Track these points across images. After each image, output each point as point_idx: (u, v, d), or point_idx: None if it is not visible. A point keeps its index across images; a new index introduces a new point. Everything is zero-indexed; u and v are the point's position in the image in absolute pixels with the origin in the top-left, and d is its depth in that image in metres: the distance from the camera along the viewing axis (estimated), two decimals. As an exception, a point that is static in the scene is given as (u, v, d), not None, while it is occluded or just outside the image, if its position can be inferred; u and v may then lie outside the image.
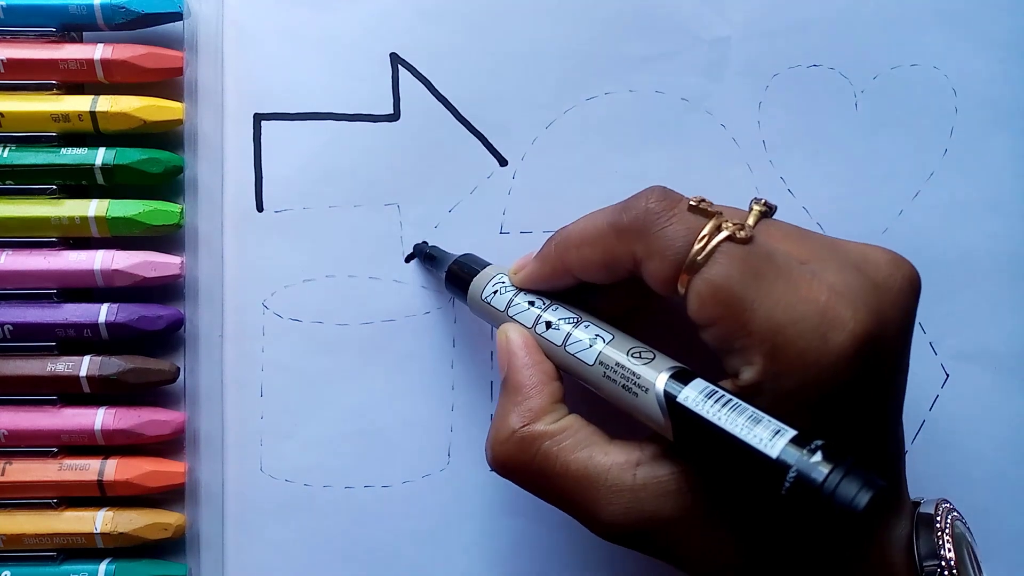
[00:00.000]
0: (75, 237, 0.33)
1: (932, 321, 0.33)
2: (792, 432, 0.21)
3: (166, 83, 0.33)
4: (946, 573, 0.24)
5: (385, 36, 0.33)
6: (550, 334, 0.27)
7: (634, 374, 0.25)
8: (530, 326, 0.28)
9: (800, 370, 0.22)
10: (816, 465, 0.21)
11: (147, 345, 0.33)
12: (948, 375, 0.33)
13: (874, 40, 0.34)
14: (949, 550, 0.25)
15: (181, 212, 0.33)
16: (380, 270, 0.33)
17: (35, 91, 0.32)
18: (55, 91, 0.32)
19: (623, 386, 0.25)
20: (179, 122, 0.33)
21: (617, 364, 0.25)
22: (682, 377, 0.24)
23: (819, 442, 0.21)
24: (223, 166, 0.33)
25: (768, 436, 0.21)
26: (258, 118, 0.33)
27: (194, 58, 0.33)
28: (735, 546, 0.24)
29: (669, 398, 0.24)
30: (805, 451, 0.21)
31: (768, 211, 0.26)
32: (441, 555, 0.33)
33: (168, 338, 0.33)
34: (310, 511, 0.33)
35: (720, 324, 0.23)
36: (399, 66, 0.33)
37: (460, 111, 0.33)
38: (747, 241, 0.23)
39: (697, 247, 0.23)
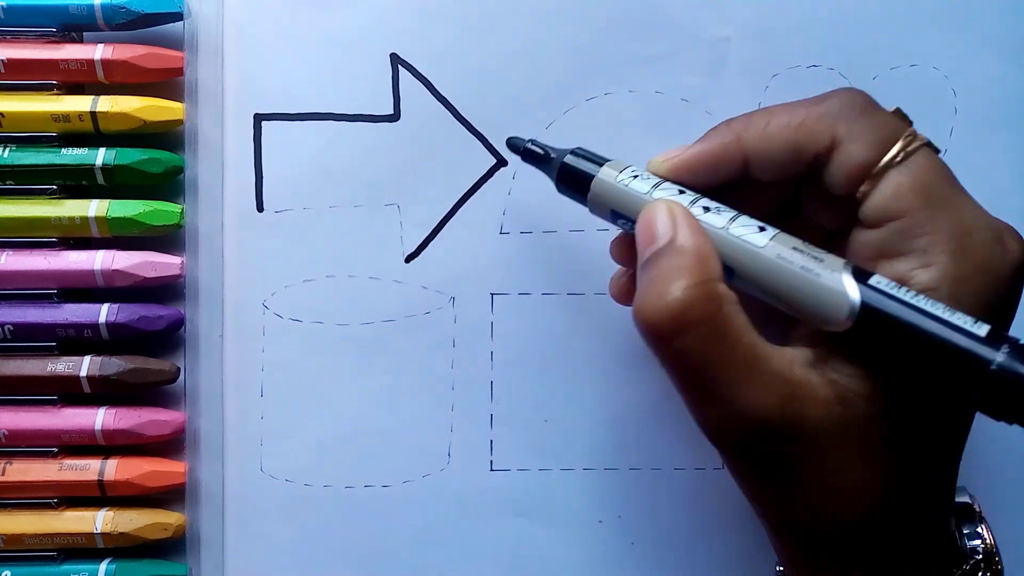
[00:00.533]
0: (75, 237, 0.33)
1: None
2: (987, 326, 0.21)
3: (166, 83, 0.33)
4: (988, 552, 0.26)
5: (385, 37, 0.33)
6: (709, 217, 0.25)
7: (814, 257, 0.23)
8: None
9: (981, 274, 0.23)
10: (1014, 358, 0.20)
11: (147, 345, 0.33)
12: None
13: (874, 40, 0.34)
14: (988, 533, 0.26)
15: (181, 212, 0.33)
16: (380, 270, 0.33)
17: (35, 91, 0.32)
18: (55, 91, 0.32)
19: (802, 267, 0.23)
20: (179, 122, 0.33)
21: (793, 248, 0.24)
22: (860, 272, 0.23)
23: (1013, 338, 0.21)
24: (223, 166, 0.33)
25: (968, 324, 0.21)
26: (258, 118, 0.33)
27: (194, 58, 0.33)
28: (872, 473, 0.23)
29: (861, 277, 0.23)
30: (1000, 349, 0.21)
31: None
32: (441, 555, 0.33)
33: (168, 338, 0.33)
34: (310, 511, 0.33)
35: (910, 217, 0.23)
36: (399, 66, 0.33)
37: (460, 111, 0.33)
38: (938, 151, 0.25)
39: (902, 143, 0.24)
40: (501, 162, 0.33)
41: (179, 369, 0.33)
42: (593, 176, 0.27)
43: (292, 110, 0.33)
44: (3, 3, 0.32)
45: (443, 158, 0.33)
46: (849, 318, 0.22)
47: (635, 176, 0.27)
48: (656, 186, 0.26)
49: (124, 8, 0.32)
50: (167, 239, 0.33)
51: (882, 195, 0.24)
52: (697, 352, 0.23)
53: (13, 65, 0.32)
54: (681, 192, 0.26)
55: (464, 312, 0.33)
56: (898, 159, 0.24)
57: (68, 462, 0.32)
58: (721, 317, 0.23)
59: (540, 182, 0.33)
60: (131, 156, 0.32)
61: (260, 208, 0.33)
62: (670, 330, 0.23)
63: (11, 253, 0.32)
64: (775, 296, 0.24)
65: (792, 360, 0.24)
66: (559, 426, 0.33)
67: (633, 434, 0.33)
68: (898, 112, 0.26)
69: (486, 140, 0.33)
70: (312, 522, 0.33)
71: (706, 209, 0.25)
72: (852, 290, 0.22)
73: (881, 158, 0.24)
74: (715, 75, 0.34)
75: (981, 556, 0.26)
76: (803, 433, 0.23)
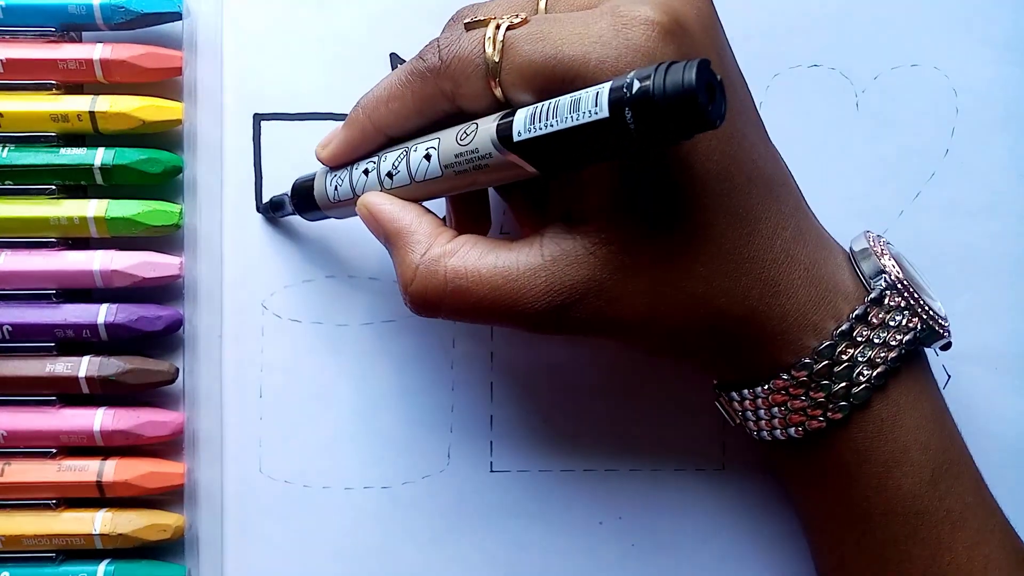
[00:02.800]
0: (74, 237, 0.33)
1: (933, 322, 0.33)
2: (607, 84, 0.22)
3: (165, 83, 0.33)
4: (894, 281, 0.26)
5: (384, 36, 0.33)
6: (397, 179, 0.27)
7: (472, 151, 0.25)
8: (379, 189, 0.28)
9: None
10: (637, 84, 0.21)
11: (146, 346, 0.33)
12: (949, 376, 0.33)
13: (875, 40, 0.34)
14: (893, 264, 0.26)
15: (180, 212, 0.33)
16: (380, 271, 0.33)
17: (34, 91, 0.32)
18: (54, 91, 0.32)
19: (475, 167, 0.25)
20: (178, 122, 0.33)
21: (456, 156, 0.25)
22: (507, 118, 0.24)
23: (631, 74, 0.21)
24: (222, 166, 0.33)
25: (591, 103, 0.22)
26: (258, 118, 0.33)
27: (193, 58, 0.33)
28: (651, 288, 0.25)
29: (508, 143, 0.24)
30: (624, 88, 0.21)
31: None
32: (441, 555, 0.33)
33: (167, 339, 0.33)
34: (310, 512, 0.33)
35: (541, 89, 0.24)
36: (398, 65, 0.33)
37: (460, 111, 0.33)
38: (525, 22, 0.25)
39: (488, 52, 0.24)
40: (501, 162, 0.33)
41: (178, 370, 0.33)
42: (311, 190, 0.30)
43: (291, 110, 0.33)
44: (2, 3, 0.32)
45: (443, 158, 0.33)
46: (504, 152, 0.24)
47: (336, 188, 0.29)
48: (353, 186, 0.29)
49: (123, 8, 0.32)
50: (166, 239, 0.33)
51: (513, 98, 0.25)
52: (460, 312, 0.26)
53: (12, 65, 0.32)
54: (366, 172, 0.28)
55: (464, 312, 0.33)
56: (496, 60, 0.24)
57: (67, 463, 0.32)
58: (451, 275, 0.25)
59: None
60: (130, 156, 0.32)
61: (259, 208, 0.33)
62: (429, 309, 0.26)
63: (10, 253, 0.32)
64: (478, 183, 0.26)
65: (540, 244, 0.25)
66: (559, 427, 0.33)
67: (633, 435, 0.33)
68: (475, 20, 0.26)
69: (486, 140, 0.33)
70: (311, 523, 0.33)
71: (391, 175, 0.27)
72: (507, 157, 0.24)
73: (490, 82, 0.25)
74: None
75: (885, 285, 0.26)
76: (584, 292, 0.25)
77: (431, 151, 0.26)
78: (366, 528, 0.33)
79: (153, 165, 0.32)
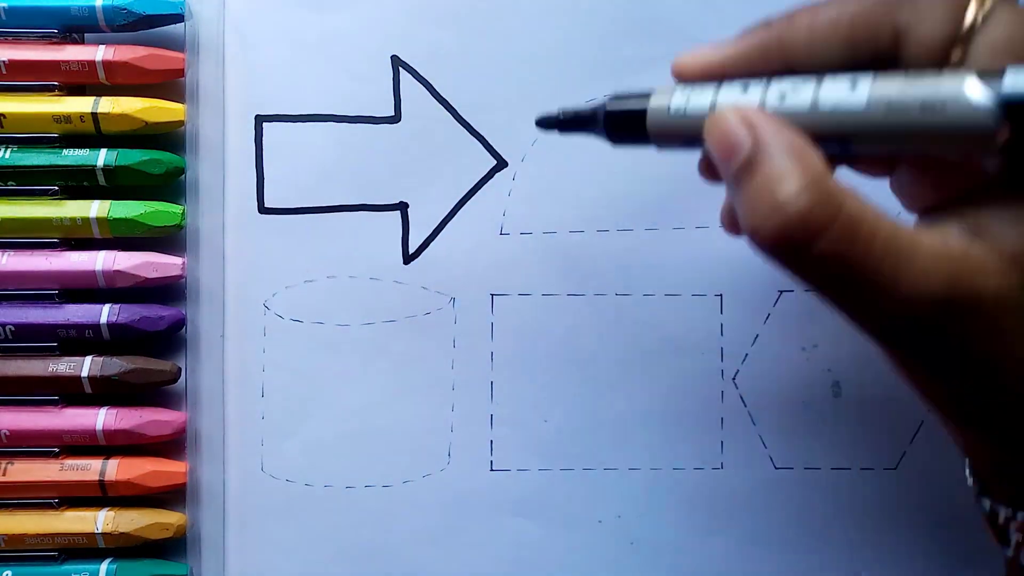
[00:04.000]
0: (77, 238, 0.33)
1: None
2: None
3: (167, 84, 0.33)
4: None
5: (386, 39, 0.33)
6: (788, 104, 0.22)
7: (932, 87, 0.20)
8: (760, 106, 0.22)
9: None
10: None
11: (148, 345, 0.33)
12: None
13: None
14: None
15: (183, 213, 0.33)
16: (381, 271, 0.33)
17: (37, 92, 0.32)
18: (57, 92, 0.32)
19: (922, 105, 0.20)
20: (180, 123, 0.33)
21: (899, 91, 0.20)
22: (988, 75, 0.19)
23: None
24: (224, 167, 0.33)
25: None
26: (259, 120, 0.33)
27: (195, 60, 0.33)
28: None
29: (990, 77, 0.19)
30: None
31: None
32: (441, 555, 0.33)
33: (169, 338, 0.33)
34: (311, 511, 0.33)
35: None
36: (400, 68, 0.33)
37: (460, 113, 0.34)
38: (1015, 2, 0.21)
39: (974, 5, 0.21)
40: (501, 163, 0.34)
41: (180, 369, 0.33)
42: (645, 111, 0.24)
43: (293, 111, 0.33)
44: (5, 4, 0.32)
45: (444, 159, 0.33)
46: (996, 125, 0.19)
47: (687, 99, 0.23)
48: (715, 104, 0.23)
49: (125, 9, 0.32)
50: (168, 240, 0.33)
51: (977, 63, 0.20)
52: (835, 257, 0.20)
53: (15, 66, 0.32)
54: (745, 88, 0.22)
55: (464, 313, 0.33)
56: (979, 22, 0.21)
57: (69, 462, 0.32)
58: (846, 214, 0.20)
59: (540, 183, 0.34)
60: (132, 157, 0.32)
61: (261, 209, 0.33)
62: (798, 243, 0.20)
63: (13, 254, 0.32)
64: (910, 146, 0.21)
65: (946, 235, 0.21)
66: (559, 426, 0.33)
67: (633, 434, 0.33)
68: None
69: (486, 141, 0.34)
70: (313, 522, 0.33)
71: (783, 96, 0.22)
72: (987, 105, 0.19)
73: (958, 30, 0.21)
74: (714, 77, 0.34)
75: None
76: (979, 309, 0.20)
77: (859, 78, 0.21)
78: (367, 526, 0.33)
79: (155, 166, 0.32)
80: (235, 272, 0.33)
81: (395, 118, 0.33)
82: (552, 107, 0.33)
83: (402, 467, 0.33)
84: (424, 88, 0.33)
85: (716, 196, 0.34)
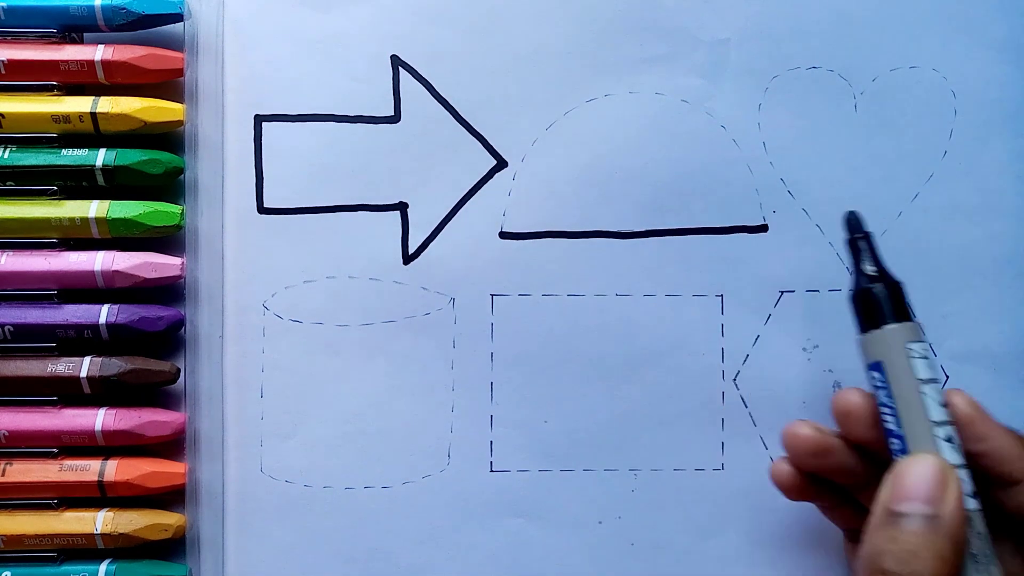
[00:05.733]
0: (76, 238, 0.33)
1: (932, 323, 0.33)
2: None
3: (167, 84, 0.33)
4: None
5: (386, 38, 0.33)
6: (944, 449, 0.25)
7: (985, 554, 0.24)
8: (930, 421, 0.26)
9: None
10: None
11: (148, 346, 0.33)
12: (948, 376, 0.33)
13: (873, 42, 0.34)
14: None
15: (182, 213, 0.33)
16: (380, 271, 0.33)
17: (36, 92, 0.32)
18: (56, 92, 0.32)
19: (971, 553, 0.24)
20: (180, 123, 0.33)
21: (979, 532, 0.25)
22: None
23: None
24: (224, 167, 0.33)
25: None
26: (259, 119, 0.33)
27: (194, 59, 0.33)
28: None
29: None
30: None
31: None
32: (441, 555, 0.33)
33: (168, 339, 0.33)
34: (310, 512, 0.33)
35: None
36: (400, 68, 0.33)
37: (460, 113, 0.33)
38: None
39: None
40: (501, 163, 0.34)
41: (179, 370, 0.33)
42: (883, 326, 0.27)
43: (292, 111, 0.33)
44: (3, 4, 0.32)
45: (443, 159, 0.33)
46: None
47: (922, 356, 0.26)
48: (927, 386, 0.26)
49: (124, 9, 0.32)
50: (167, 240, 0.33)
51: None
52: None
53: (13, 66, 0.32)
54: (949, 438, 0.26)
55: (464, 313, 0.33)
56: None
57: (68, 463, 0.32)
58: None
59: (540, 183, 0.34)
60: (131, 157, 0.32)
61: (260, 209, 0.33)
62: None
63: (11, 254, 0.32)
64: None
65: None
66: (559, 427, 0.33)
67: (633, 435, 0.33)
68: None
69: (486, 141, 0.34)
70: (312, 523, 0.33)
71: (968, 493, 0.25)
72: None
73: None
74: (715, 76, 0.34)
75: None
76: None
77: (974, 498, 0.25)
78: (367, 527, 0.33)
79: (154, 166, 0.32)
80: (234, 272, 0.33)
81: (395, 118, 0.33)
82: (551, 107, 0.33)
83: (402, 468, 0.33)
84: (424, 88, 0.33)
85: (716, 196, 0.34)
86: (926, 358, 0.26)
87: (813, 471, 0.29)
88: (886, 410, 0.26)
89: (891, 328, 0.27)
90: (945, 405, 0.26)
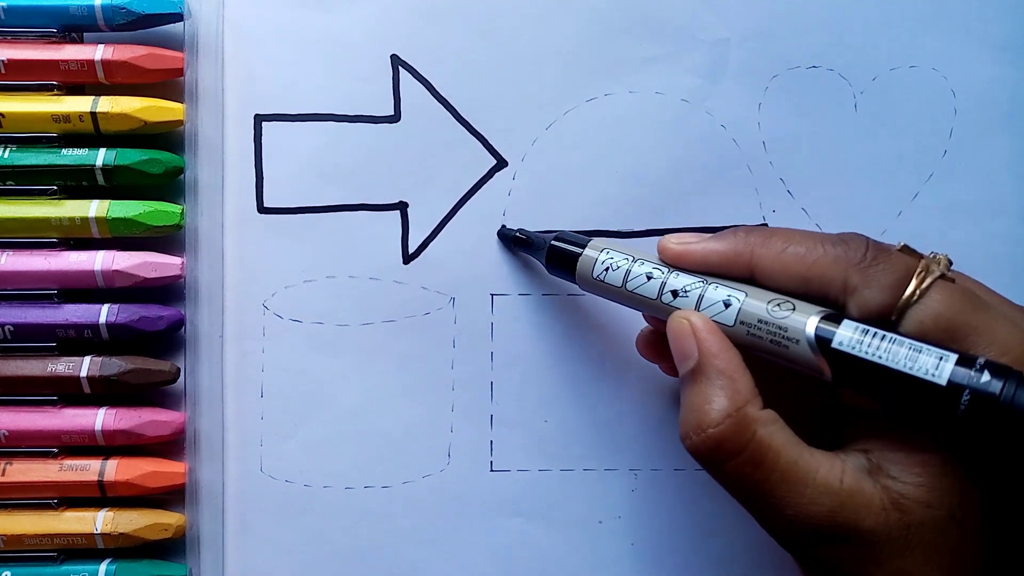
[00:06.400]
0: (76, 238, 0.33)
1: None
2: (955, 355, 0.22)
3: (167, 84, 0.33)
4: None
5: (386, 38, 0.33)
6: (679, 302, 0.27)
7: (780, 327, 0.25)
8: (654, 297, 0.27)
9: None
10: (989, 382, 0.21)
11: (148, 345, 0.33)
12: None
13: (873, 42, 0.34)
14: None
15: (182, 213, 0.33)
16: (380, 271, 0.33)
17: (36, 92, 0.32)
18: (56, 92, 0.32)
19: (771, 341, 0.25)
20: (180, 123, 0.33)
21: (759, 320, 0.25)
22: (832, 319, 0.24)
23: (982, 359, 0.21)
24: (224, 167, 0.33)
25: (933, 364, 0.22)
26: (259, 119, 0.33)
27: (194, 59, 0.33)
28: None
29: (823, 344, 0.24)
30: (973, 371, 0.21)
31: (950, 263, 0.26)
32: (441, 555, 0.33)
33: (169, 339, 0.33)
34: (310, 511, 0.33)
35: (924, 334, 0.24)
36: (400, 68, 0.33)
37: (460, 112, 0.33)
38: (953, 280, 0.24)
39: (915, 283, 0.24)
40: (501, 163, 0.34)
41: (179, 369, 0.33)
42: (578, 256, 0.29)
43: (292, 111, 0.33)
44: (4, 3, 0.32)
45: (443, 159, 0.33)
46: (816, 352, 0.24)
47: (606, 269, 0.28)
48: (627, 278, 0.28)
49: (124, 9, 0.32)
50: (167, 239, 0.33)
51: (906, 331, 0.24)
52: (740, 476, 0.25)
53: (14, 65, 0.32)
54: (649, 277, 0.27)
55: (464, 312, 0.33)
56: (915, 298, 0.24)
57: (68, 462, 0.32)
58: (756, 443, 0.24)
59: (540, 183, 0.34)
60: (131, 157, 0.32)
61: (260, 209, 0.33)
62: (712, 460, 0.25)
63: (11, 253, 0.32)
64: (762, 358, 0.26)
65: (842, 469, 0.24)
66: (559, 426, 0.33)
67: (633, 434, 0.33)
68: (906, 248, 0.26)
69: (486, 141, 0.34)
70: (312, 522, 0.33)
71: (675, 293, 0.27)
72: (814, 353, 0.24)
73: (897, 301, 0.24)
74: (715, 76, 0.34)
75: None
76: (859, 539, 0.24)
77: (734, 299, 0.26)
78: (366, 527, 0.33)
79: (154, 166, 0.32)
80: (234, 272, 0.33)
81: (395, 118, 0.33)
82: (551, 107, 0.34)
83: (402, 467, 0.33)
84: (424, 88, 0.33)
85: (716, 196, 0.34)
86: (612, 257, 0.28)
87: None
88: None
89: (580, 261, 0.29)
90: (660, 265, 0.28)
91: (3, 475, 0.32)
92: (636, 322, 0.32)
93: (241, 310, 0.33)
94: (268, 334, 0.33)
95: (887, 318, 0.24)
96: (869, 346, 0.23)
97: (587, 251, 0.29)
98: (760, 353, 0.26)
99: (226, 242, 0.33)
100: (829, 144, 0.34)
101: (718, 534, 0.33)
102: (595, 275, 0.29)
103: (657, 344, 0.31)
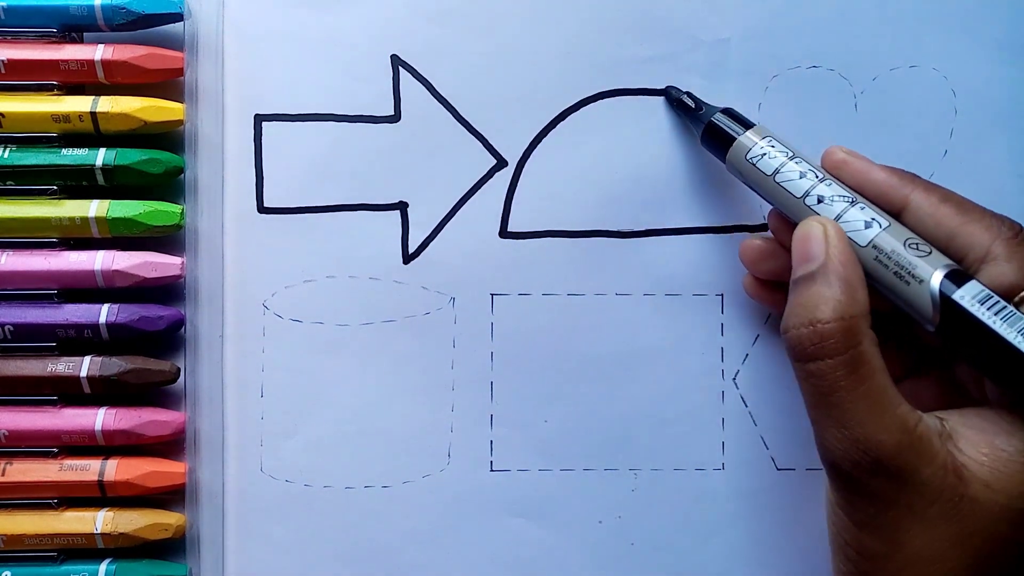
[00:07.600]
0: (76, 237, 0.33)
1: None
2: None
3: (167, 84, 0.33)
4: None
5: (386, 38, 0.33)
6: (821, 208, 0.27)
7: (909, 263, 0.26)
8: (798, 196, 0.28)
9: None
10: None
11: (148, 345, 0.33)
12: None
13: (873, 41, 0.34)
14: None
15: (182, 213, 0.33)
16: (380, 271, 0.33)
17: (36, 92, 0.32)
18: (56, 92, 0.32)
19: (895, 273, 0.26)
20: (180, 123, 0.33)
21: (892, 251, 0.26)
22: (957, 277, 0.25)
23: None
24: (224, 167, 0.33)
25: None
26: (259, 119, 0.33)
27: (194, 59, 0.33)
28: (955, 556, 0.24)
29: (944, 295, 0.25)
30: None
31: None
32: (441, 555, 0.33)
33: (169, 338, 0.33)
34: (310, 511, 0.33)
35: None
36: (400, 68, 0.33)
37: (460, 112, 0.33)
38: None
39: None
40: (501, 163, 0.34)
41: (179, 369, 0.33)
42: (737, 136, 0.30)
43: (293, 111, 0.33)
44: (3, 3, 0.32)
45: (443, 159, 0.33)
46: (934, 320, 0.25)
47: (763, 154, 0.29)
48: (778, 170, 0.28)
49: (124, 9, 0.32)
50: (167, 239, 0.33)
51: None
52: (830, 379, 0.25)
53: (13, 65, 0.32)
54: (802, 175, 0.28)
55: (464, 312, 0.33)
56: None
57: (68, 462, 0.32)
58: (858, 352, 0.25)
59: (540, 183, 0.34)
60: (131, 156, 0.32)
61: (261, 208, 0.33)
62: (810, 353, 0.25)
63: (11, 253, 0.32)
64: (877, 288, 0.26)
65: (919, 417, 0.25)
66: (559, 426, 0.33)
67: (633, 434, 0.33)
68: None
69: (486, 141, 0.34)
70: (312, 522, 0.33)
71: (820, 199, 0.27)
72: (933, 300, 0.25)
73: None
74: (715, 76, 0.34)
75: None
76: (914, 485, 0.24)
77: (876, 223, 0.27)
78: (367, 527, 0.33)
79: (154, 165, 0.32)
80: (234, 272, 0.33)
81: (395, 117, 0.33)
82: (551, 107, 0.34)
83: (402, 467, 0.33)
84: (424, 87, 0.33)
85: (716, 195, 0.34)
86: (773, 146, 0.29)
87: (770, 278, 0.31)
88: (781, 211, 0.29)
89: (738, 140, 0.29)
90: (819, 169, 0.28)
91: (3, 475, 0.32)
92: (636, 322, 0.32)
93: (241, 310, 0.33)
94: (268, 334, 0.33)
95: (1012, 297, 0.25)
96: (989, 309, 0.24)
97: (748, 133, 0.30)
98: (876, 283, 0.26)
99: (226, 242, 0.33)
100: (829, 144, 0.33)
101: (718, 534, 0.33)
102: (749, 157, 0.29)
103: (766, 251, 0.31)
